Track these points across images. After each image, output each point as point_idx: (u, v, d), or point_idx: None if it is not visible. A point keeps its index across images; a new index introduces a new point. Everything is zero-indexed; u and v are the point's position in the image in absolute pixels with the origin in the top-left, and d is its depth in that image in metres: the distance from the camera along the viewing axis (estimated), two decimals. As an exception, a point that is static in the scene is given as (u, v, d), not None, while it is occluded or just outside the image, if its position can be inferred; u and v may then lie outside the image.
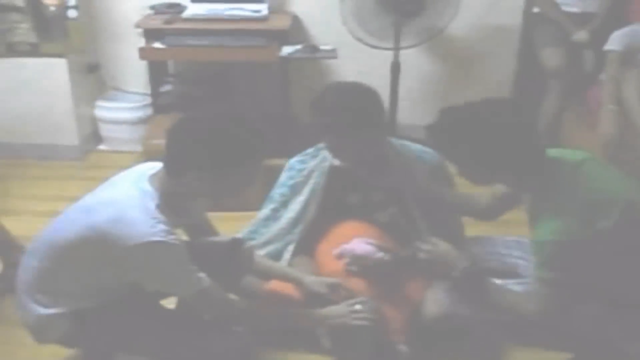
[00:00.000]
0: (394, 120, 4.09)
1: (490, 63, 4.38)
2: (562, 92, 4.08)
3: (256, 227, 2.56)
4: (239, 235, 2.57)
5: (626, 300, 2.20)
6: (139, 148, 4.03)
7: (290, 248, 2.49)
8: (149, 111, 4.17)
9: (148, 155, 3.43)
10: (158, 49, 3.78)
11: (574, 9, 4.02)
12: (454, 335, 2.45)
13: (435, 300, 2.38)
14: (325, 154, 2.48)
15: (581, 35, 3.96)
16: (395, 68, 4.03)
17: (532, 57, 4.22)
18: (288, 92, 4.06)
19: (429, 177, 2.51)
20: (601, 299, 2.20)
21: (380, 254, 2.33)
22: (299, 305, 2.38)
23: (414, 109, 4.33)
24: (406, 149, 2.52)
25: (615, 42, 3.78)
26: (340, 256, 2.40)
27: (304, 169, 2.52)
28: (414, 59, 4.21)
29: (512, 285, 2.36)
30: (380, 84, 4.06)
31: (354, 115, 2.27)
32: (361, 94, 2.34)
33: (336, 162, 2.47)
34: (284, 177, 2.56)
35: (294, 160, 2.58)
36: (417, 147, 2.57)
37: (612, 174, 2.26)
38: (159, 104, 4.01)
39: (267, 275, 2.43)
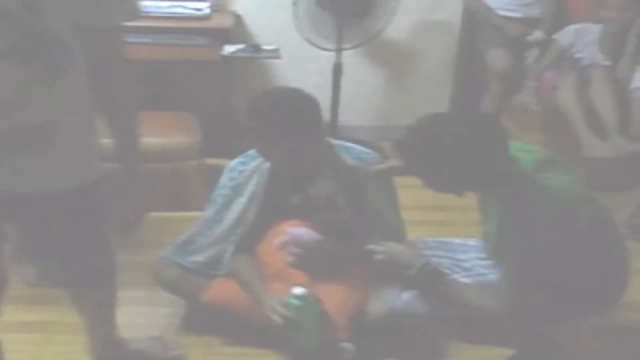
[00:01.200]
0: (335, 121, 4.10)
1: (430, 63, 4.42)
2: (502, 93, 4.17)
3: (200, 228, 2.53)
4: (183, 236, 2.55)
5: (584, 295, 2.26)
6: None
7: (231, 248, 2.48)
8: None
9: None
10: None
11: (516, 14, 4.11)
12: (398, 332, 2.47)
13: (379, 298, 2.39)
14: None
15: (536, 35, 4.04)
16: (337, 69, 4.04)
17: (471, 57, 4.30)
18: (230, 92, 4.03)
19: (368, 179, 2.51)
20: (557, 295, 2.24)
21: (321, 238, 2.36)
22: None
23: (355, 110, 4.36)
24: (346, 150, 2.53)
25: (564, 35, 3.89)
26: (282, 245, 2.41)
27: (245, 170, 2.50)
28: (355, 60, 4.23)
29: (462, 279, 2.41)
30: (322, 84, 4.11)
31: (288, 122, 2.25)
32: (297, 100, 2.32)
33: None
34: (225, 178, 2.55)
35: (235, 162, 2.56)
36: (357, 148, 2.57)
37: (570, 174, 2.31)
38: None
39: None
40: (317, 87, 4.20)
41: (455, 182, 2.19)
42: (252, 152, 2.51)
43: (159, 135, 3.39)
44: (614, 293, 2.34)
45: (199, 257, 2.49)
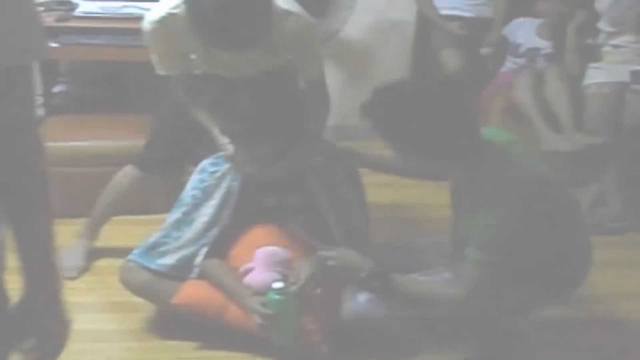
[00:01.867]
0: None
1: (386, 62, 4.42)
2: None
3: (168, 231, 2.50)
4: (152, 239, 2.52)
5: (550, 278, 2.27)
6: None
7: (203, 251, 2.45)
8: (40, 112, 3.99)
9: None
10: (52, 48, 3.62)
11: (467, 14, 4.15)
12: (372, 333, 2.48)
13: (352, 300, 2.39)
14: None
15: (485, 52, 4.10)
16: (295, 68, 4.04)
17: (426, 56, 4.33)
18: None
19: (341, 179, 2.54)
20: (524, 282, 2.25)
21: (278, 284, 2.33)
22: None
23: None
24: (316, 153, 2.51)
25: (508, 29, 3.96)
26: (247, 271, 2.40)
27: (216, 172, 2.49)
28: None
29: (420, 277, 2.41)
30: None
31: (269, 126, 2.31)
32: (276, 102, 2.37)
33: None
34: (195, 179, 2.52)
35: (205, 163, 2.54)
36: (328, 146, 2.57)
37: (538, 156, 2.32)
38: (52, 105, 3.85)
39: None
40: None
41: (421, 146, 2.14)
42: (222, 153, 2.50)
43: (120, 138, 3.35)
44: (576, 279, 2.37)
45: (168, 260, 2.46)
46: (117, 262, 2.85)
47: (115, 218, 3.09)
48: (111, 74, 4.01)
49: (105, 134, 3.39)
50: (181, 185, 3.56)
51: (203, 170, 2.51)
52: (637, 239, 3.44)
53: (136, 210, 3.31)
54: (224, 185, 2.46)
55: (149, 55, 3.71)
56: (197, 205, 2.48)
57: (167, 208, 3.27)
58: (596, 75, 3.66)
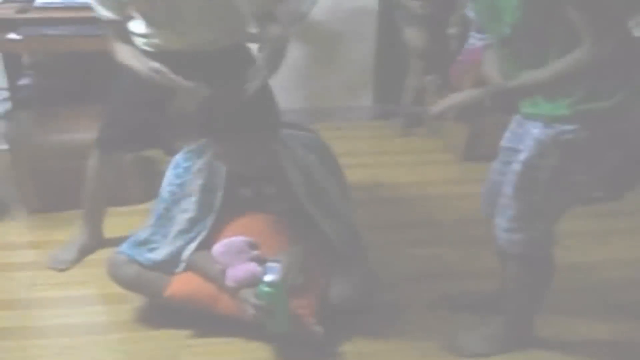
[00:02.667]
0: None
1: (351, 44, 4.43)
2: (424, 70, 4.22)
3: (154, 227, 2.46)
4: (143, 234, 2.49)
5: None
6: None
7: (192, 246, 2.43)
8: (6, 106, 3.90)
9: (15, 154, 3.24)
10: (14, 40, 3.53)
11: None
12: (362, 314, 2.53)
13: (342, 283, 2.42)
14: None
15: (451, 32, 4.12)
16: (264, 52, 4.00)
17: (391, 36, 4.34)
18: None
19: (319, 165, 2.50)
20: None
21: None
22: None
23: (282, 94, 4.31)
24: (294, 139, 2.49)
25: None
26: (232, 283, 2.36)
27: (190, 167, 2.44)
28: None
29: None
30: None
31: (245, 120, 2.21)
32: (251, 95, 2.26)
33: None
34: (170, 174, 2.47)
35: (179, 158, 2.48)
36: (304, 135, 2.56)
37: None
38: (18, 99, 3.76)
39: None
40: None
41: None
42: (194, 147, 2.46)
43: (92, 129, 3.26)
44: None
45: (157, 256, 2.43)
46: (99, 255, 2.84)
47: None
48: (76, 65, 3.92)
49: (81, 126, 3.31)
50: (158, 176, 3.58)
51: (177, 166, 2.46)
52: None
53: (114, 201, 3.26)
54: (199, 181, 2.42)
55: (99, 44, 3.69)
56: (175, 201, 2.44)
57: (144, 198, 3.30)
58: None
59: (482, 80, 3.77)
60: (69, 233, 3.04)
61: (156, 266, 2.43)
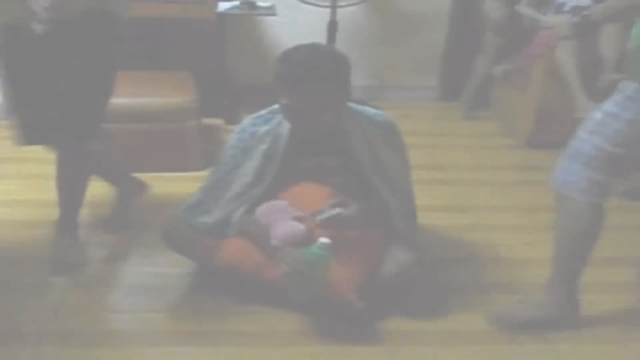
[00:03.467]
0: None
1: (424, 21, 4.39)
2: (497, 48, 4.16)
3: (210, 190, 2.50)
4: (196, 197, 2.54)
5: None
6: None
7: (242, 209, 2.46)
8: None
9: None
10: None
11: None
12: (407, 292, 2.52)
13: (393, 260, 2.41)
14: (282, 118, 2.45)
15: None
16: (332, 26, 4.00)
17: (465, 14, 4.29)
18: (224, 50, 3.96)
19: (383, 141, 2.51)
20: None
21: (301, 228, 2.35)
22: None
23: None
24: (361, 113, 2.51)
25: None
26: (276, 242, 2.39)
27: (256, 132, 2.47)
28: (351, 17, 4.18)
29: None
30: (317, 41, 4.07)
31: (324, 80, 2.25)
32: (330, 57, 2.31)
33: (289, 129, 2.43)
34: (235, 138, 2.51)
35: (246, 122, 2.52)
36: (371, 110, 2.55)
37: None
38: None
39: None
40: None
41: None
42: (263, 113, 2.48)
43: (157, 95, 3.34)
44: None
45: (210, 219, 2.47)
46: (154, 219, 2.89)
47: (153, 175, 3.13)
48: (150, 30, 4.00)
49: (147, 91, 3.37)
50: (220, 144, 3.63)
51: (243, 130, 2.49)
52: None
53: (173, 167, 3.34)
54: (263, 146, 2.45)
55: (186, 11, 3.75)
56: (236, 165, 2.47)
57: (205, 165, 3.36)
58: None
59: (554, 68, 3.74)
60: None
61: (209, 229, 2.47)
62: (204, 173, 3.31)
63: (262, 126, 2.46)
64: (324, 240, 2.22)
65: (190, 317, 2.44)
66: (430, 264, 2.60)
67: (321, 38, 3.99)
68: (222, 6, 3.78)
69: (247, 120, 2.51)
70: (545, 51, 3.80)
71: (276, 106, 2.47)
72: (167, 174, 3.31)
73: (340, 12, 3.96)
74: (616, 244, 2.90)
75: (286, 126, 2.42)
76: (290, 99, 2.28)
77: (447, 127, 4.13)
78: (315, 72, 2.25)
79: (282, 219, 2.40)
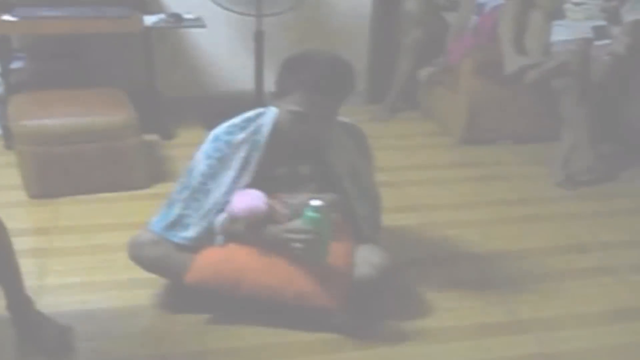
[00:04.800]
0: (261, 89, 4.04)
1: (348, 26, 4.41)
2: (419, 46, 4.28)
3: (186, 203, 2.43)
4: (172, 212, 2.44)
5: None
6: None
7: (221, 218, 2.40)
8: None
9: (18, 137, 3.16)
10: (9, 22, 3.45)
11: None
12: (384, 292, 2.53)
13: (365, 261, 2.40)
14: (258, 126, 2.42)
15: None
16: (259, 36, 3.98)
17: (386, 18, 4.37)
18: (153, 65, 3.86)
19: (357, 150, 2.55)
20: None
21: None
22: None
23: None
24: (337, 122, 2.50)
25: None
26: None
27: (232, 141, 2.42)
28: (279, 27, 4.16)
29: None
30: (246, 52, 4.04)
31: (346, 89, 2.30)
32: (344, 62, 2.33)
33: (267, 136, 2.41)
34: (209, 148, 2.44)
35: (219, 132, 2.45)
36: (344, 119, 2.56)
37: None
38: (11, 83, 3.67)
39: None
40: (241, 54, 4.16)
41: None
42: (237, 121, 2.44)
43: (97, 113, 3.21)
44: None
45: (191, 233, 2.40)
46: (114, 240, 2.79)
47: (97, 196, 3.03)
48: (70, 47, 3.86)
49: (82, 111, 3.23)
50: (160, 160, 3.53)
51: (217, 139, 2.43)
52: (606, 191, 3.57)
53: (116, 187, 3.24)
54: (240, 155, 2.40)
55: (111, 26, 3.63)
56: (213, 175, 2.41)
57: (148, 183, 3.30)
58: (561, 33, 3.73)
59: (482, 66, 3.85)
60: (73, 218, 3.00)
61: (191, 243, 2.40)
62: (149, 191, 3.26)
63: (237, 134, 2.41)
64: (314, 202, 2.24)
65: (168, 336, 2.37)
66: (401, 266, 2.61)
67: (249, 48, 3.98)
68: (148, 20, 3.68)
69: (220, 129, 2.45)
70: (472, 50, 3.91)
71: (251, 114, 2.46)
72: (112, 194, 3.21)
73: (266, 21, 3.94)
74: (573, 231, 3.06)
75: (265, 133, 2.39)
76: (310, 107, 2.27)
77: (381, 129, 4.16)
78: (342, 81, 2.28)
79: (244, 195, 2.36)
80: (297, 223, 2.29)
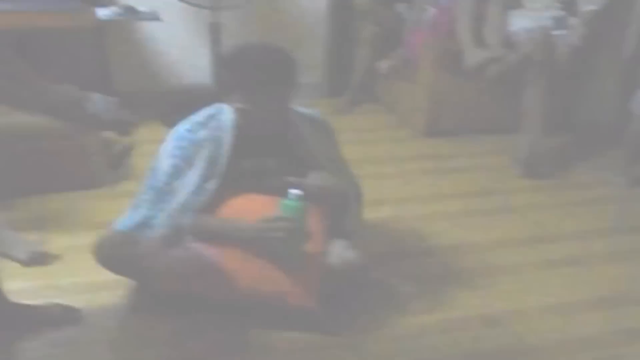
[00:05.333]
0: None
1: (305, 18, 4.36)
2: (375, 39, 4.23)
3: (152, 203, 2.35)
4: (139, 213, 2.37)
5: None
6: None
7: (191, 217, 2.33)
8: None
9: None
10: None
11: None
12: (360, 284, 2.51)
13: (338, 253, 2.37)
14: (219, 122, 2.36)
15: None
16: (215, 29, 3.90)
17: (344, 11, 4.34)
18: (106, 59, 3.75)
19: (325, 139, 2.51)
20: None
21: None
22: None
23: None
24: (300, 113, 2.47)
25: None
26: None
27: (195, 139, 2.35)
28: (236, 19, 4.08)
29: None
30: (202, 45, 3.96)
31: (279, 74, 2.22)
32: (281, 53, 2.27)
33: (230, 130, 2.35)
34: (171, 146, 2.37)
35: (182, 129, 2.38)
36: (307, 110, 2.53)
37: None
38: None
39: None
40: (197, 47, 4.07)
41: None
42: (199, 118, 2.37)
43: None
44: None
45: (157, 233, 2.32)
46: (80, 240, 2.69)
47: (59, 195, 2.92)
48: (18, 42, 3.72)
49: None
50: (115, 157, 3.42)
51: (180, 138, 2.36)
52: (566, 182, 3.61)
53: (77, 186, 3.13)
54: (204, 152, 2.34)
55: (63, 20, 3.50)
56: (176, 173, 2.34)
57: (106, 181, 3.21)
58: (521, 22, 3.74)
59: (444, 56, 3.83)
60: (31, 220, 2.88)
61: (157, 243, 2.32)
62: (108, 189, 3.16)
63: (200, 131, 2.35)
64: (293, 191, 2.20)
65: (138, 340, 2.28)
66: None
67: (204, 40, 3.90)
68: (102, 13, 3.56)
69: (181, 127, 2.38)
70: (430, 43, 3.89)
71: (211, 110, 2.40)
72: (70, 193, 3.09)
73: (222, 14, 3.86)
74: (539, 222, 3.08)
75: (227, 129, 2.34)
76: (253, 104, 2.23)
77: (342, 122, 4.10)
78: (281, 73, 2.23)
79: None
80: (276, 215, 2.23)
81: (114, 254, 2.32)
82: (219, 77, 2.29)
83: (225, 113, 2.39)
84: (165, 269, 2.30)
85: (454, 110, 3.92)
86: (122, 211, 2.44)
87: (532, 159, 3.59)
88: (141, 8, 3.69)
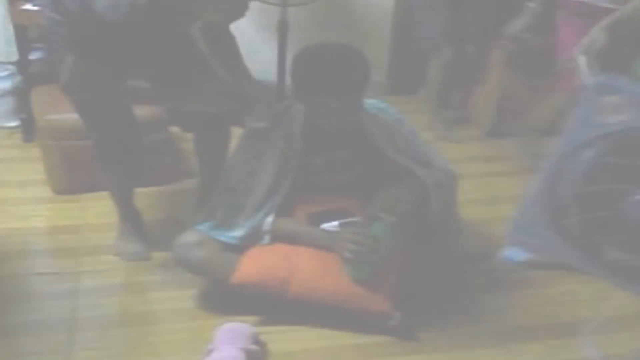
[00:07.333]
0: (283, 80, 3.97)
1: (369, 17, 4.34)
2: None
3: (230, 202, 2.38)
4: (217, 213, 2.41)
5: None
6: (9, 123, 3.70)
7: (270, 218, 2.37)
8: (16, 82, 3.69)
9: (43, 132, 3.08)
10: (30, 11, 3.35)
11: None
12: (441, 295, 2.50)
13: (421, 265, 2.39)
14: (291, 118, 2.38)
15: None
16: (283, 26, 3.90)
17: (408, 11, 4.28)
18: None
19: (397, 130, 2.49)
20: None
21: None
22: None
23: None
24: (371, 105, 2.47)
25: None
26: None
27: (267, 137, 2.38)
28: (303, 17, 4.07)
29: None
30: (269, 42, 3.96)
31: (350, 74, 2.21)
32: (353, 53, 2.27)
33: (301, 127, 2.37)
34: (245, 145, 2.42)
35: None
36: (377, 104, 2.52)
37: None
38: (31, 74, 3.56)
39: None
40: (264, 44, 4.07)
41: None
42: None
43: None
44: None
45: (239, 232, 2.37)
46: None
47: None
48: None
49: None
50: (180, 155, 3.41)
51: (250, 136, 2.40)
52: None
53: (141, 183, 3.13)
54: (278, 150, 2.36)
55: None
56: (252, 172, 2.37)
57: (170, 178, 3.26)
58: None
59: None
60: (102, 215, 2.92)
61: (238, 243, 2.36)
62: (177, 186, 3.20)
63: (271, 130, 2.37)
64: (389, 218, 2.23)
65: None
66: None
67: (272, 39, 3.90)
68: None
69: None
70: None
71: (280, 107, 2.43)
72: (139, 190, 3.09)
73: (292, 11, 3.86)
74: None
75: (297, 126, 2.36)
76: (327, 106, 2.23)
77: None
78: (353, 76, 2.22)
79: (230, 345, 2.18)
80: (364, 228, 2.26)
81: (191, 253, 2.35)
82: (292, 74, 2.28)
83: (296, 109, 2.40)
84: (241, 268, 2.32)
85: (519, 111, 3.85)
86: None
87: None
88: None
